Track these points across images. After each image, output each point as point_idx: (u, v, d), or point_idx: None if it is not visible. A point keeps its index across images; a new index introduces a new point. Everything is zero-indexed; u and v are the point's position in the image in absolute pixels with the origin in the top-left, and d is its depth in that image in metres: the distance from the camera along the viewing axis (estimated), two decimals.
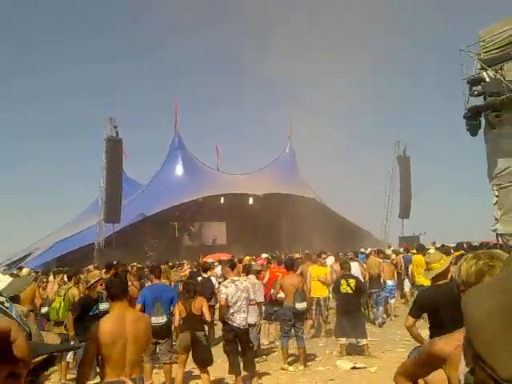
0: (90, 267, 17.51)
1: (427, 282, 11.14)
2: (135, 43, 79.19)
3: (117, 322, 3.84)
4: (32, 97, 72.70)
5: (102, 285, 7.43)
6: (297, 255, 17.48)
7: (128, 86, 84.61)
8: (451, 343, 1.70)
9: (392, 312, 13.01)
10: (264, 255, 16.51)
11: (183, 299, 6.94)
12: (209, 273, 11.08)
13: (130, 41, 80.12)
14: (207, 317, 6.92)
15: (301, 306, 8.33)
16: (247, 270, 8.87)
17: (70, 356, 7.93)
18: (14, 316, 0.90)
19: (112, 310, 4.07)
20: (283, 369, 8.13)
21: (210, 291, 10.02)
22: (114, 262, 10.93)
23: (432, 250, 14.29)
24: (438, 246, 16.85)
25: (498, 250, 3.02)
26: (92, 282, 7.40)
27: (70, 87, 77.57)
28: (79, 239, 29.34)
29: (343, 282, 9.08)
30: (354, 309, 9.03)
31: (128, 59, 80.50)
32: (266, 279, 11.23)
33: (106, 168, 26.58)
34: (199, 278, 10.83)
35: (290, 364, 8.29)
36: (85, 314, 7.04)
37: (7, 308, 0.91)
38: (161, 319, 7.13)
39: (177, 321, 6.89)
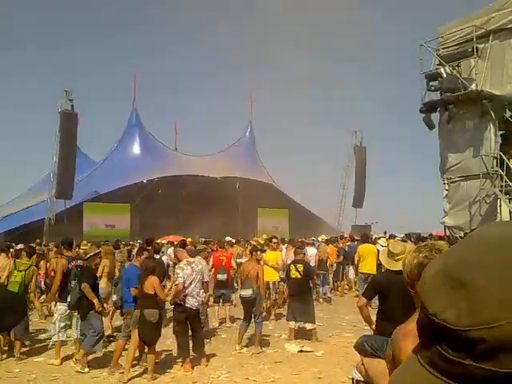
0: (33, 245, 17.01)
1: (373, 271, 11.60)
2: (96, 16, 76.56)
3: None
4: None
5: (100, 257, 8.14)
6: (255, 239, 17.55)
7: (86, 59, 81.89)
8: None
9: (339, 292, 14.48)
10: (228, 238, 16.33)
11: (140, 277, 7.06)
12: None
13: (91, 14, 77.40)
14: (160, 295, 6.98)
15: (243, 292, 8.35)
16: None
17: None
18: None
19: None
20: (236, 350, 8.18)
21: (164, 272, 9.92)
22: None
23: (383, 240, 14.74)
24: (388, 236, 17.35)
25: (441, 242, 3.08)
26: (91, 254, 7.81)
27: (26, 60, 74.35)
28: (28, 214, 28.41)
29: (292, 267, 9.15)
30: (302, 293, 9.08)
31: (88, 33, 77.80)
32: (210, 264, 11.22)
33: (60, 142, 25.69)
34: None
35: (242, 347, 8.33)
36: (95, 282, 7.48)
37: None
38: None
39: None
